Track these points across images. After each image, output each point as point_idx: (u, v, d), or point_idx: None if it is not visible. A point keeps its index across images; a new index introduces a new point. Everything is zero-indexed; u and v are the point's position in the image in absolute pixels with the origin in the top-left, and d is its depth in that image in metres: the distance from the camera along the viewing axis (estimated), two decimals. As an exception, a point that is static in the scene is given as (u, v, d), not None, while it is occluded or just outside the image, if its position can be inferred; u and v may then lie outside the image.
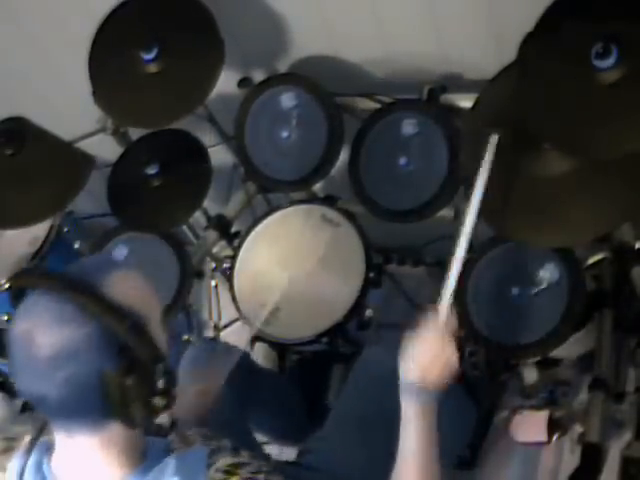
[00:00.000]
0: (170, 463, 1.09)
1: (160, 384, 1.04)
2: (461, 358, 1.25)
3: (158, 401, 1.04)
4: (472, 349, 1.79)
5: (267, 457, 1.60)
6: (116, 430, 1.06)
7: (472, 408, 1.66)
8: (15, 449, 1.22)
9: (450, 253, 1.31)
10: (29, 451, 1.15)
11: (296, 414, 1.92)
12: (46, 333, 0.99)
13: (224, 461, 1.11)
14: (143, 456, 1.11)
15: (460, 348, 1.26)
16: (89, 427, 1.06)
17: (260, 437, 1.81)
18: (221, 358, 1.72)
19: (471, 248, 1.33)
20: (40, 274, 1.06)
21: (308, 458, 1.55)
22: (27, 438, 1.18)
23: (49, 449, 1.13)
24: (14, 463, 1.17)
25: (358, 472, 1.46)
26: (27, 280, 1.08)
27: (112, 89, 1.89)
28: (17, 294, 1.09)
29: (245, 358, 1.87)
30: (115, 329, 0.99)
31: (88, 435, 1.07)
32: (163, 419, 1.12)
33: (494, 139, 1.35)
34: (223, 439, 1.20)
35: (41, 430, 1.14)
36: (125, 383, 1.00)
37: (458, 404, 1.58)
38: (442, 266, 2.12)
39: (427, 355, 1.23)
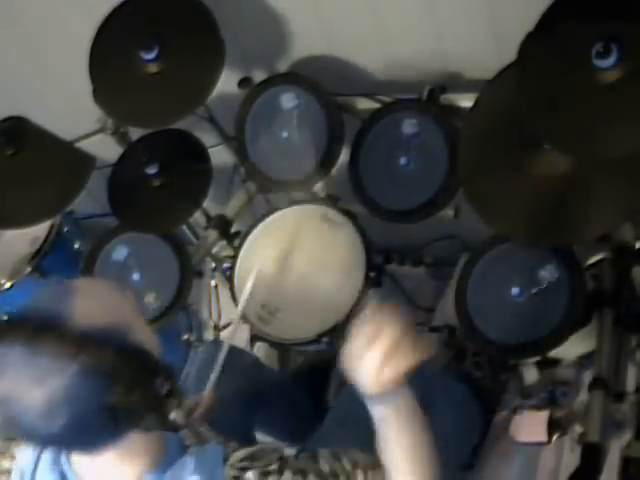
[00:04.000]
0: (189, 461, 1.09)
1: (163, 383, 1.02)
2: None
3: (168, 399, 1.03)
4: (475, 349, 1.79)
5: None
6: (134, 438, 1.05)
7: (478, 410, 1.65)
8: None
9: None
10: None
11: (302, 415, 1.91)
12: (31, 391, 0.96)
13: (237, 455, 1.11)
14: (161, 454, 1.11)
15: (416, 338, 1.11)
16: (107, 447, 1.04)
17: (263, 438, 1.81)
18: (235, 359, 1.73)
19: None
20: (2, 324, 0.99)
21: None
22: None
23: None
24: (29, 452, 1.16)
25: None
26: None
27: (112, 89, 1.89)
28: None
29: (251, 360, 1.88)
30: (97, 361, 0.96)
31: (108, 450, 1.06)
32: (177, 415, 1.12)
33: None
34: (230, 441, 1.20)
35: None
36: (129, 402, 0.98)
37: (465, 406, 1.58)
38: (442, 266, 2.15)
39: (369, 360, 1.10)
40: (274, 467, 1.09)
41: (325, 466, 1.15)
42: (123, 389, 0.97)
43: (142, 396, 0.99)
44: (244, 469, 1.09)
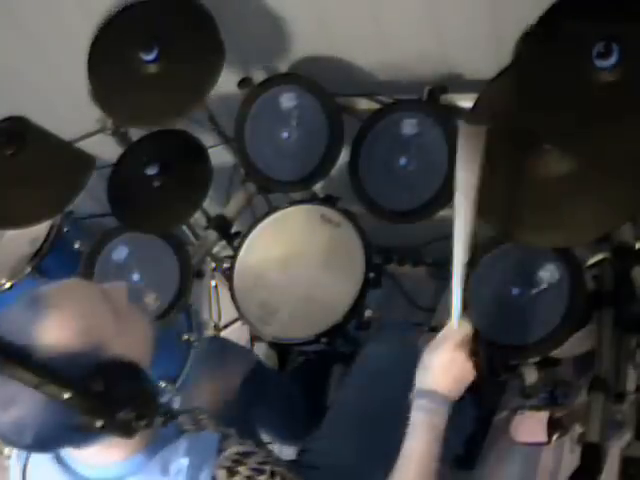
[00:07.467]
0: (182, 444, 1.10)
1: (130, 412, 1.02)
2: (479, 372, 1.29)
3: (136, 423, 1.03)
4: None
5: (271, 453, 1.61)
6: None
7: (469, 407, 1.66)
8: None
9: (449, 258, 1.31)
10: None
11: (300, 414, 1.92)
12: None
13: (232, 450, 1.11)
14: (151, 436, 1.12)
15: (477, 363, 1.29)
16: (87, 445, 1.06)
17: (263, 437, 1.81)
18: (235, 356, 1.73)
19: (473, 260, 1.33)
20: None
21: (307, 457, 1.56)
22: None
23: None
24: None
25: (357, 469, 1.46)
26: None
27: (112, 89, 1.89)
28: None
29: (251, 358, 1.88)
30: (60, 392, 0.96)
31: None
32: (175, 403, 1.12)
33: (464, 127, 1.29)
34: (230, 428, 1.21)
35: None
36: (93, 424, 0.99)
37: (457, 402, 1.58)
38: (442, 266, 2.15)
39: (442, 363, 1.27)
40: (267, 468, 1.10)
41: None
42: (87, 418, 0.99)
43: (107, 423, 1.00)
44: (237, 462, 1.09)
